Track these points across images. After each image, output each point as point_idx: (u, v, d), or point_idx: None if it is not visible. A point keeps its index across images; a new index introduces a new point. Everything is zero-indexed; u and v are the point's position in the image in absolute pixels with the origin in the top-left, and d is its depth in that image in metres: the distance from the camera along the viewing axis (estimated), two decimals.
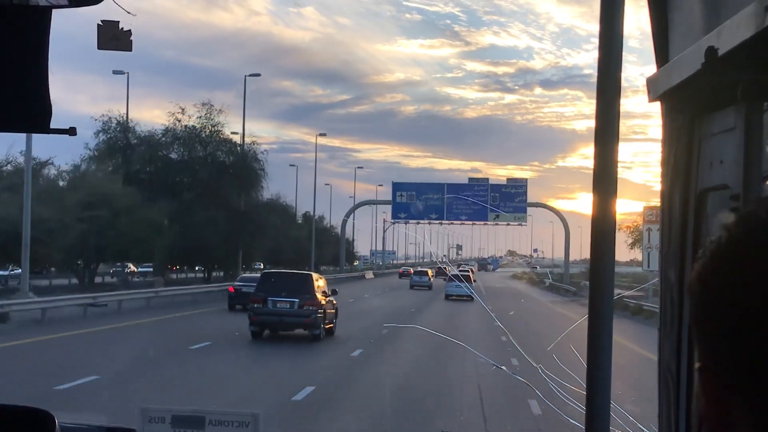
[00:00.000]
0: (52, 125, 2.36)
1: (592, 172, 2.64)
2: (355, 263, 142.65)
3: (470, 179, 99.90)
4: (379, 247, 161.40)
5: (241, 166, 71.64)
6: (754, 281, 1.09)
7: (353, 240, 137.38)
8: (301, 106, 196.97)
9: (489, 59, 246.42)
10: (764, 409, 1.10)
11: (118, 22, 3.20)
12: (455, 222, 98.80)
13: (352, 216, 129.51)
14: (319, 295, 29.49)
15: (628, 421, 4.64)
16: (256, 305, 29.14)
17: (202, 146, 71.73)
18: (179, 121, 70.65)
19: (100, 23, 3.17)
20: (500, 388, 19.20)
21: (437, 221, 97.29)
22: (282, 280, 30.35)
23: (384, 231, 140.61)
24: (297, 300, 28.84)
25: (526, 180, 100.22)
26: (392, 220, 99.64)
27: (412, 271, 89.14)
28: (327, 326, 30.25)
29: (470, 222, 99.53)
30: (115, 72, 69.83)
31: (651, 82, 2.57)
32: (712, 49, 1.98)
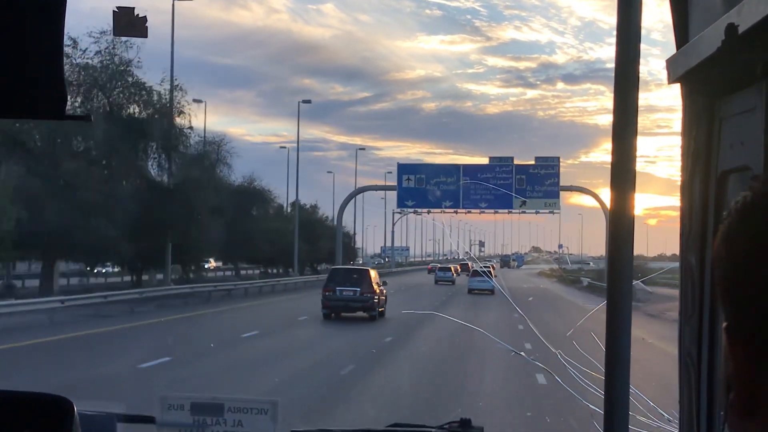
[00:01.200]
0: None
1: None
2: (359, 260, 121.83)
3: (491, 159, 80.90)
4: (393, 243, 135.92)
5: (161, 123, 50.69)
6: None
7: (354, 234, 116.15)
8: (322, 103, 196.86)
9: (510, 54, 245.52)
10: None
11: (134, 8, 3.19)
12: (473, 211, 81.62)
13: (353, 204, 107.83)
14: (374, 285, 37.47)
15: (649, 407, 4.62)
16: (327, 293, 37.47)
17: (103, 94, 49.92)
18: (68, 57, 44.82)
19: (116, 10, 3.16)
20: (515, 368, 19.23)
21: (451, 209, 79.36)
22: (346, 274, 38.67)
23: (393, 224, 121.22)
24: (358, 289, 36.95)
25: (557, 159, 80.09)
26: (398, 209, 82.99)
27: (439, 267, 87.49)
28: (380, 310, 37.88)
29: (491, 211, 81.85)
30: None
31: (670, 64, 2.54)
32: (732, 26, 1.94)
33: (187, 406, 4.39)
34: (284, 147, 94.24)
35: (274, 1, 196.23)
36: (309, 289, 63.79)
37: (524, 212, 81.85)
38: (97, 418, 3.99)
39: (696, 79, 2.42)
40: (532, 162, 79.80)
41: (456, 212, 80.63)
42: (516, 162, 79.72)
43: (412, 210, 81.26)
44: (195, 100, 61.73)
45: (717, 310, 2.41)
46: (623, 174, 2.61)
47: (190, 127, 54.29)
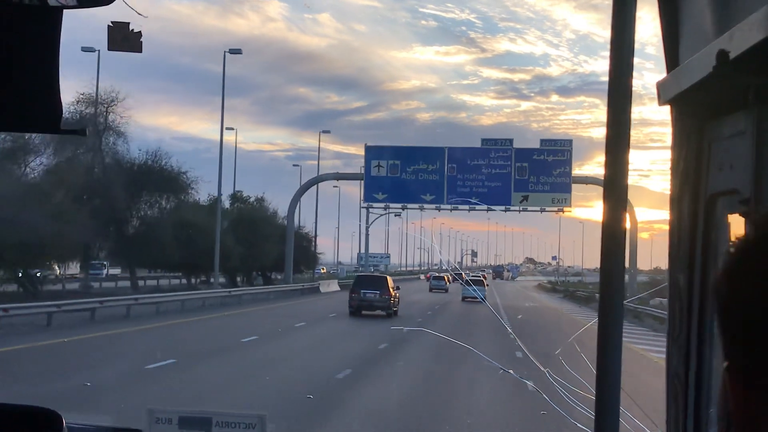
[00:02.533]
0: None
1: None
2: (320, 270, 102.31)
3: (484, 141, 63.26)
4: (368, 249, 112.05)
5: None
6: None
7: (315, 235, 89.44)
8: (317, 112, 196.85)
9: (505, 66, 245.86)
10: None
11: (129, 23, 3.21)
12: (461, 207, 63.90)
13: (313, 202, 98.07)
14: (391, 289, 45.88)
15: (638, 427, 4.62)
16: (353, 295, 46.02)
17: None
18: None
19: (111, 24, 3.18)
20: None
21: (433, 205, 62.83)
22: (369, 280, 47.32)
23: (367, 226, 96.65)
24: (379, 292, 45.42)
25: (569, 142, 63.71)
26: (365, 204, 64.54)
27: (433, 276, 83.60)
28: (394, 309, 46.05)
29: (484, 207, 64.38)
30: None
31: (661, 86, 2.56)
32: (723, 52, 1.97)
33: (175, 420, 4.39)
34: (231, 128, 78.16)
35: (270, 10, 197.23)
36: (208, 311, 45.56)
37: (525, 209, 62.30)
38: (86, 431, 3.98)
39: (686, 101, 2.44)
40: (537, 146, 62.85)
41: (438, 208, 62.88)
42: (516, 146, 62.50)
43: (383, 204, 63.56)
44: (84, 49, 49.28)
45: (705, 331, 2.43)
46: (616, 188, 2.63)
47: None
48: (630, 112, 2.63)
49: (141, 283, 62.05)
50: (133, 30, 3.18)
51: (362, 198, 64.44)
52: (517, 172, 61.13)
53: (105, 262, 65.91)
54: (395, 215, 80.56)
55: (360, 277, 50.33)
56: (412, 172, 62.51)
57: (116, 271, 67.66)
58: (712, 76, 2.05)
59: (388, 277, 48.46)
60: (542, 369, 5.49)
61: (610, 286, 2.65)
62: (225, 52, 62.41)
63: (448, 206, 62.98)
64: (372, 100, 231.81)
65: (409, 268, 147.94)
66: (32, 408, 2.73)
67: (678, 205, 2.57)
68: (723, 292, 1.15)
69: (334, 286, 77.26)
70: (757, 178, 2.07)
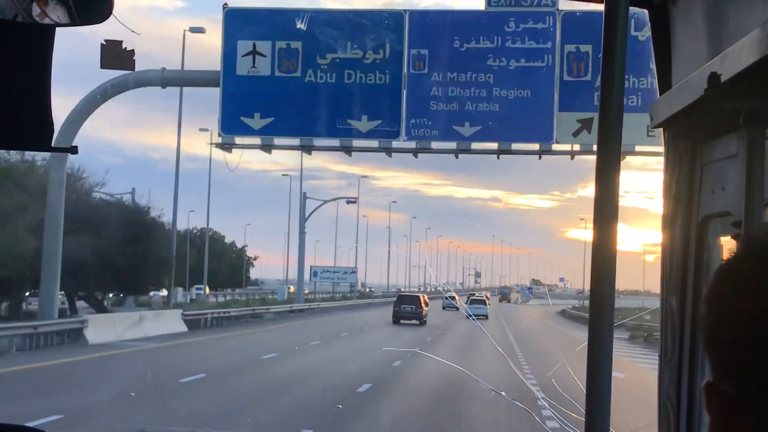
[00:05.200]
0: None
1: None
2: (188, 293, 72.91)
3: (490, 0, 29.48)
4: (303, 259, 74.12)
5: None
6: (759, 301, 1.12)
7: (174, 222, 54.75)
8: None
9: None
10: None
11: (121, 41, 3.21)
12: (439, 145, 30.21)
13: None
14: (423, 305, 59.39)
15: None
16: (395, 308, 59.95)
17: None
18: None
19: (104, 42, 3.17)
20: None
21: (375, 140, 29.96)
22: (407, 298, 61.78)
23: (305, 218, 64.73)
24: (414, 306, 59.55)
25: None
26: (220, 135, 30.70)
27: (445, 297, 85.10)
28: (424, 319, 59.10)
29: (493, 145, 29.47)
30: None
31: (653, 109, 2.57)
32: (714, 75, 1.97)
33: None
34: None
35: None
36: None
37: (587, 148, 29.29)
38: None
39: (679, 124, 2.45)
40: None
41: (389, 152, 30.98)
42: (564, 5, 28.62)
43: (259, 141, 31.78)
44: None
45: (697, 353, 2.42)
46: (606, 208, 2.61)
47: None
48: (620, 131, 2.63)
49: None
50: (125, 48, 3.18)
51: (218, 125, 31.09)
52: (568, 65, 28.32)
53: None
54: (347, 202, 60.82)
55: (401, 295, 65.26)
56: (328, 67, 29.44)
57: None
58: (703, 99, 2.05)
59: (422, 296, 62.25)
60: (535, 393, 5.49)
61: (600, 308, 2.63)
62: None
63: (411, 144, 30.33)
64: None
65: (393, 290, 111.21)
66: (19, 428, 2.71)
67: (670, 227, 2.57)
68: (703, 316, 1.20)
69: (166, 323, 39.06)
70: (749, 200, 2.08)
